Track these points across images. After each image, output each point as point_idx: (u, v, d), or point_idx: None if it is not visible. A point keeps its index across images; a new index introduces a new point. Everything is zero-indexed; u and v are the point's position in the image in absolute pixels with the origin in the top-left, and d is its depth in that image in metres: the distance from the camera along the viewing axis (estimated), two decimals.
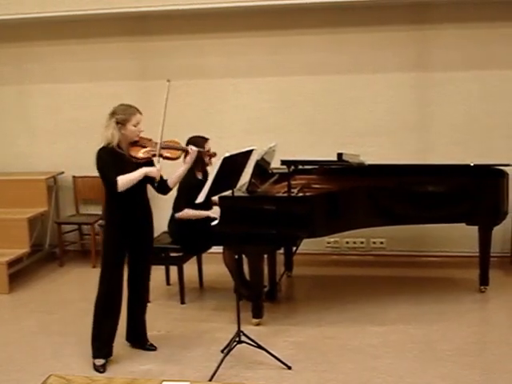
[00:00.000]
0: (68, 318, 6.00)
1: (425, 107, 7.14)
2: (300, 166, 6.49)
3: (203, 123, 7.32)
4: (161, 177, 5.08)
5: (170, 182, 5.15)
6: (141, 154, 4.91)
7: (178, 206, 6.04)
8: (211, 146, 6.07)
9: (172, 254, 6.24)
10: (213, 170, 4.81)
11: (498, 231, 6.39)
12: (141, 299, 5.28)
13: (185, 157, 5.15)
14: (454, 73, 7.00)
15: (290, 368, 4.86)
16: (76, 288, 6.91)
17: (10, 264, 6.91)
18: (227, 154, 4.73)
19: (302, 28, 7.19)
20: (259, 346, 4.96)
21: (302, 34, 7.20)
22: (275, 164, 6.36)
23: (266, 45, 7.33)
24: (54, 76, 7.79)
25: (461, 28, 6.92)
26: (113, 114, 4.87)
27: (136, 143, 4.95)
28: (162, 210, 6.33)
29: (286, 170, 6.05)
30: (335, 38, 7.16)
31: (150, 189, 5.13)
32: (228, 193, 5.19)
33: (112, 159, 4.80)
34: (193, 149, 5.11)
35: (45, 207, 7.61)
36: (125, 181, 4.77)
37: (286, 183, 5.95)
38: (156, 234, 6.55)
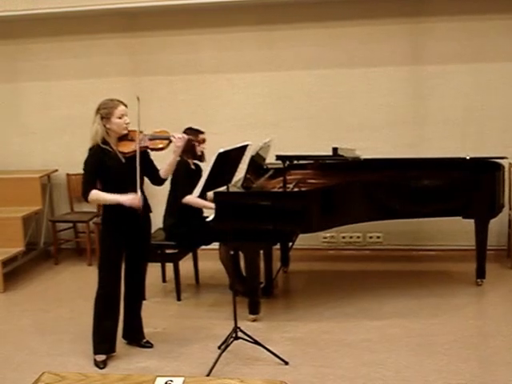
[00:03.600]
0: (64, 317, 5.97)
1: (420, 100, 7.13)
2: (295, 161, 6.45)
3: (197, 119, 7.26)
4: (154, 168, 5.06)
5: (162, 173, 5.09)
6: (127, 147, 4.84)
7: (180, 192, 5.98)
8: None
9: (167, 251, 6.22)
10: (207, 166, 4.79)
11: (494, 224, 6.39)
12: (137, 296, 5.25)
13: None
14: (449, 66, 6.99)
15: (287, 363, 4.84)
16: (71, 286, 6.88)
17: (5, 263, 6.88)
18: (222, 150, 4.71)
19: (296, 22, 7.17)
20: (256, 342, 4.94)
21: (297, 29, 7.18)
22: (270, 159, 6.35)
23: (260, 39, 7.31)
24: (47, 73, 7.76)
25: (455, 21, 6.91)
26: (97, 110, 4.84)
27: (124, 138, 4.88)
28: (156, 206, 6.32)
29: (281, 166, 6.04)
30: (329, 32, 7.15)
31: (150, 187, 5.13)
32: (223, 188, 5.17)
33: (98, 161, 4.77)
34: (179, 136, 4.98)
35: (39, 205, 7.59)
36: (97, 197, 4.81)
37: (281, 178, 5.95)
38: (152, 230, 6.57)
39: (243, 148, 5.07)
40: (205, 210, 6.15)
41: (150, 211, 5.16)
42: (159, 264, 6.55)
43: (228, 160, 4.88)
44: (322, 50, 7.21)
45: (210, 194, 5.56)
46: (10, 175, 7.68)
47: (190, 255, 6.58)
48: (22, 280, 7.08)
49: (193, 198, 5.80)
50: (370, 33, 7.08)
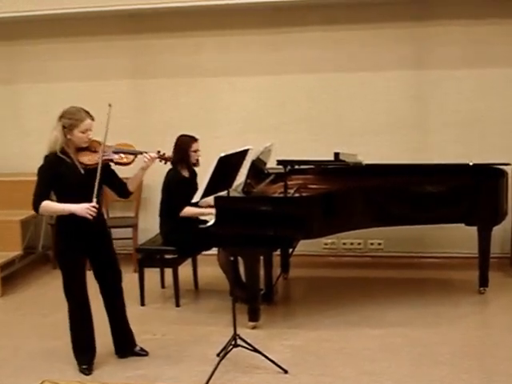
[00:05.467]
0: (62, 321, 5.84)
1: (423, 105, 7.07)
2: (296, 166, 6.42)
3: (198, 122, 7.26)
4: (120, 181, 4.94)
5: (129, 186, 4.97)
6: (90, 159, 4.65)
7: (177, 206, 5.97)
8: (202, 147, 6.17)
9: (166, 256, 6.18)
10: (208, 170, 4.74)
11: (497, 231, 6.35)
12: (118, 305, 5.09)
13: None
14: (452, 70, 6.94)
15: (286, 372, 4.79)
16: None
17: (3, 267, 6.83)
18: (223, 154, 4.67)
19: (298, 25, 7.12)
20: (255, 350, 4.89)
21: (299, 32, 7.13)
22: (271, 164, 6.30)
23: (263, 43, 7.26)
24: (47, 75, 7.70)
25: (459, 25, 6.86)
26: (61, 117, 4.64)
27: (85, 149, 4.68)
28: (155, 212, 6.28)
29: (282, 170, 5.99)
30: (332, 36, 7.09)
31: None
32: (223, 193, 5.13)
33: (53, 169, 4.59)
34: (151, 156, 4.84)
35: None
36: (47, 208, 4.60)
37: (282, 183, 5.90)
38: (150, 235, 6.54)
39: (244, 152, 5.04)
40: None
41: (107, 226, 5.05)
42: (158, 269, 6.52)
43: (229, 164, 4.84)
44: (325, 54, 7.15)
45: (208, 199, 5.49)
46: (9, 178, 7.62)
47: (190, 260, 6.53)
48: (19, 284, 7.03)
49: (189, 210, 5.91)
50: (372, 37, 7.03)
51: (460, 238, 6.78)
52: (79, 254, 4.80)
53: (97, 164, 4.61)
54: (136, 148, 4.91)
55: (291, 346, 5.27)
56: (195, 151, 6.08)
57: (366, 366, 4.87)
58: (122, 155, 4.76)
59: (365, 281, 6.82)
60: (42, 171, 4.66)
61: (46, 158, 4.66)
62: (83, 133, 4.61)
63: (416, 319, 5.69)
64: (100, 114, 4.71)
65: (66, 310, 6.09)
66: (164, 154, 5.02)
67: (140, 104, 5.77)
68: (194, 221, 6.14)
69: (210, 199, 5.53)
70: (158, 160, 4.96)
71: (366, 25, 7.02)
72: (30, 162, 7.76)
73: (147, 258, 6.26)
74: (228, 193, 5.10)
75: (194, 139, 6.09)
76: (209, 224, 5.58)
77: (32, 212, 7.21)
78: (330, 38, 7.11)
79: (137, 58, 7.54)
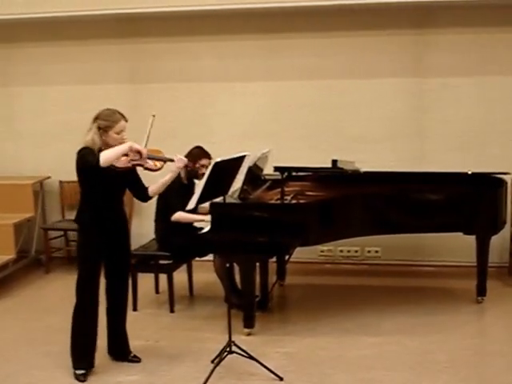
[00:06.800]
0: (54, 326, 5.85)
1: (422, 113, 7.06)
2: (293, 173, 6.38)
3: (195, 127, 7.23)
4: (142, 185, 4.95)
5: (151, 190, 4.96)
6: (120, 162, 4.66)
7: (171, 209, 5.93)
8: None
9: (161, 262, 6.13)
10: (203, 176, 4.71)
11: (496, 240, 6.31)
12: (120, 309, 5.08)
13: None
14: (452, 78, 6.93)
15: (281, 379, 4.74)
16: (62, 295, 6.73)
17: None
18: (218, 159, 4.62)
19: (297, 32, 7.10)
20: (250, 357, 4.84)
21: (297, 38, 7.11)
22: (268, 170, 6.26)
23: (260, 48, 7.24)
24: (42, 78, 7.67)
25: (458, 33, 6.86)
26: (96, 118, 4.65)
27: None
28: (149, 218, 6.22)
29: (279, 177, 5.95)
30: (331, 43, 7.08)
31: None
32: (219, 199, 5.08)
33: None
34: (182, 158, 4.90)
35: (31, 213, 7.48)
36: (106, 155, 4.46)
37: (279, 190, 5.85)
38: (145, 241, 6.49)
39: (241, 158, 4.98)
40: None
41: (128, 225, 5.08)
42: (152, 275, 6.48)
43: (225, 170, 4.78)
44: (324, 60, 7.13)
45: (205, 205, 5.44)
46: (2, 181, 7.56)
47: (185, 266, 6.48)
48: (12, 288, 6.97)
49: (181, 215, 5.85)
50: (372, 44, 7.02)
51: (458, 246, 6.75)
52: (99, 251, 4.80)
53: (126, 168, 4.67)
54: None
55: (287, 353, 5.22)
56: (202, 166, 6.04)
57: (363, 374, 4.82)
58: (155, 162, 4.81)
59: (361, 289, 6.78)
60: (83, 150, 4.60)
61: (84, 148, 4.61)
62: (118, 134, 4.65)
63: (413, 327, 5.65)
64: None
65: (58, 315, 6.09)
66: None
67: (135, 109, 5.72)
68: (190, 226, 6.09)
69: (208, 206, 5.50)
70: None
71: (365, 32, 7.00)
72: (23, 165, 7.80)
73: (141, 263, 6.21)
74: (224, 199, 5.05)
75: (207, 155, 6.05)
76: (204, 230, 5.54)
77: (25, 215, 7.35)
78: (329, 44, 7.10)
79: (132, 63, 7.52)
